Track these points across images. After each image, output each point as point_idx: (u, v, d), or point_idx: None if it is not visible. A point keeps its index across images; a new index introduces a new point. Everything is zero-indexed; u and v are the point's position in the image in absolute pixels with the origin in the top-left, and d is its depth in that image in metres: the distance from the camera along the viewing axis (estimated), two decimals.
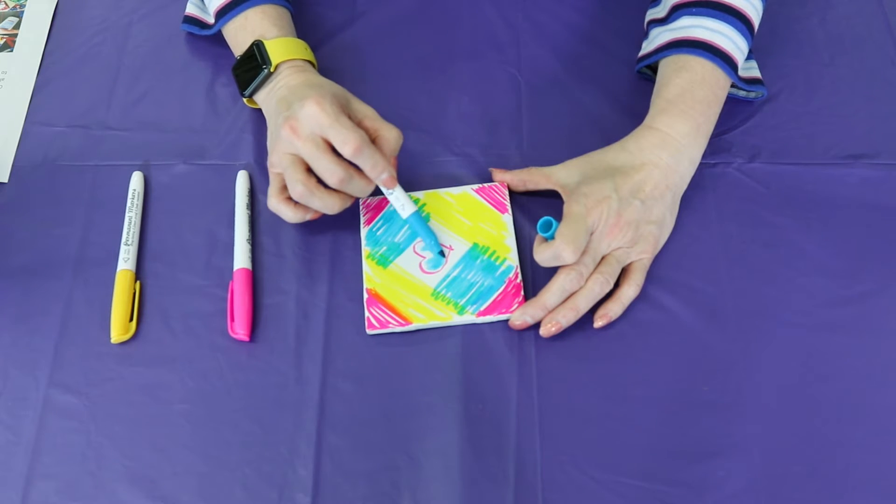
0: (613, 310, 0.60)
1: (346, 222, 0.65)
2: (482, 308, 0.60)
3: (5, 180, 0.68)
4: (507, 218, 0.64)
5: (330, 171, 0.58)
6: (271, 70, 0.63)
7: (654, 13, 0.70)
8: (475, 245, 0.63)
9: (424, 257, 0.62)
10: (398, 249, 0.63)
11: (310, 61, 0.66)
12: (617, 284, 0.60)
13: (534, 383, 0.58)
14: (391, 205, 0.62)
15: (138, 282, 0.63)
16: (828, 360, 0.59)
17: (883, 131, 0.69)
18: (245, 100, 0.67)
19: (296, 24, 0.72)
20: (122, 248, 0.64)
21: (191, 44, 0.75)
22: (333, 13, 0.76)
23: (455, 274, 0.62)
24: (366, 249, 0.63)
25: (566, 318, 0.58)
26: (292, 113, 0.59)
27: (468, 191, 0.65)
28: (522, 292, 0.61)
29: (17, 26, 0.78)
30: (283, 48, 0.64)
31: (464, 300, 0.60)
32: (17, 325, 0.62)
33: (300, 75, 0.63)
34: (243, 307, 0.60)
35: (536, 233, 0.60)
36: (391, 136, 0.61)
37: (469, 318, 0.60)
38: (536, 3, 0.76)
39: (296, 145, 0.58)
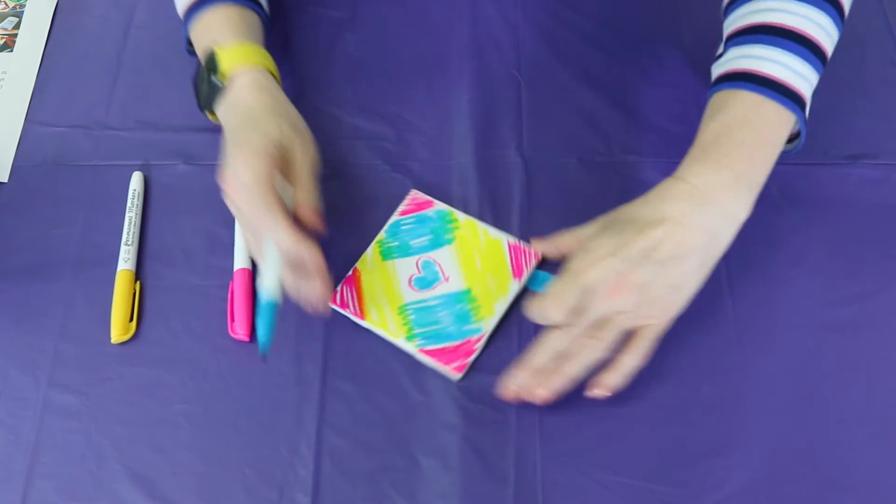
0: (611, 379, 0.54)
1: (346, 222, 0.65)
2: (427, 348, 0.58)
3: (5, 180, 0.68)
4: (515, 285, 0.60)
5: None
6: (223, 84, 0.61)
7: (718, 55, 0.62)
8: (467, 291, 0.60)
9: (420, 273, 0.62)
10: (406, 252, 0.62)
11: (268, 68, 0.63)
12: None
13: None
14: (426, 212, 0.63)
15: (138, 282, 0.63)
16: (828, 360, 0.59)
17: (883, 131, 0.69)
18: (208, 114, 0.65)
19: (295, 24, 0.71)
20: (122, 248, 0.64)
21: None
22: (333, 13, 0.76)
23: (431, 304, 0.60)
24: (381, 234, 0.63)
25: (559, 383, 0.54)
26: (227, 167, 0.57)
27: (502, 239, 0.62)
28: (471, 358, 0.58)
29: (17, 26, 0.78)
30: (236, 55, 0.61)
31: (418, 330, 0.59)
32: (17, 325, 0.62)
33: (251, 96, 0.60)
34: (243, 307, 0.60)
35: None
36: (301, 206, 0.58)
37: (411, 347, 0.58)
38: (536, 3, 0.76)
39: (232, 203, 0.57)
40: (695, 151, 0.56)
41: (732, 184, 0.54)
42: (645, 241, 0.53)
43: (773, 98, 0.55)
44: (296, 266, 0.55)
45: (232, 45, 0.62)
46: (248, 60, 0.62)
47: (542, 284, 0.57)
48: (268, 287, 0.54)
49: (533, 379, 0.55)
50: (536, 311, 0.54)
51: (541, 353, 0.55)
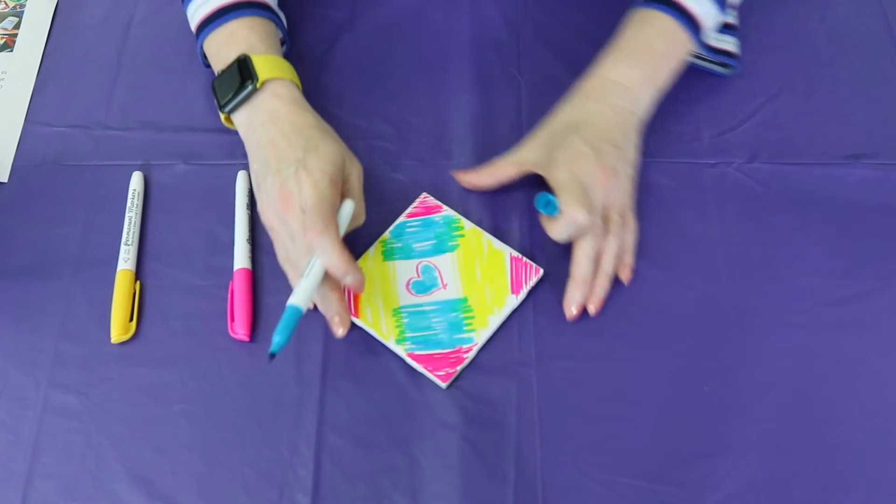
0: (628, 259, 0.61)
1: None
2: (417, 353, 0.58)
3: (5, 180, 0.68)
4: (513, 300, 0.60)
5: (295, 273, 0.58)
6: (257, 86, 0.60)
7: None
8: (464, 300, 0.60)
9: (419, 277, 0.62)
10: (407, 255, 0.62)
11: (296, 83, 0.63)
12: None
13: (534, 383, 0.58)
14: (433, 216, 0.63)
15: (138, 282, 0.63)
16: (828, 360, 0.59)
17: (883, 131, 0.69)
18: (223, 117, 0.64)
19: (295, 24, 0.71)
20: (122, 248, 0.64)
21: (191, 44, 0.75)
22: (333, 13, 0.76)
23: (426, 309, 0.60)
24: (385, 234, 0.63)
25: (603, 287, 0.60)
26: (286, 184, 0.57)
27: (506, 252, 0.62)
28: (460, 367, 0.58)
29: (17, 26, 0.78)
30: (271, 65, 0.62)
31: (410, 334, 0.59)
32: (17, 325, 0.62)
33: (292, 112, 0.61)
34: (243, 307, 0.60)
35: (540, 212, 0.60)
36: (345, 212, 0.58)
37: (401, 350, 0.58)
38: (536, 3, 0.76)
39: (283, 220, 0.58)
40: (613, 53, 0.65)
41: (647, 82, 0.64)
42: (599, 132, 0.61)
43: (686, 26, 0.64)
44: (333, 286, 0.57)
45: (264, 55, 0.62)
46: (282, 73, 0.62)
47: (549, 205, 0.59)
48: (302, 295, 0.55)
49: (586, 291, 0.60)
50: (566, 225, 0.58)
51: (581, 263, 0.59)
